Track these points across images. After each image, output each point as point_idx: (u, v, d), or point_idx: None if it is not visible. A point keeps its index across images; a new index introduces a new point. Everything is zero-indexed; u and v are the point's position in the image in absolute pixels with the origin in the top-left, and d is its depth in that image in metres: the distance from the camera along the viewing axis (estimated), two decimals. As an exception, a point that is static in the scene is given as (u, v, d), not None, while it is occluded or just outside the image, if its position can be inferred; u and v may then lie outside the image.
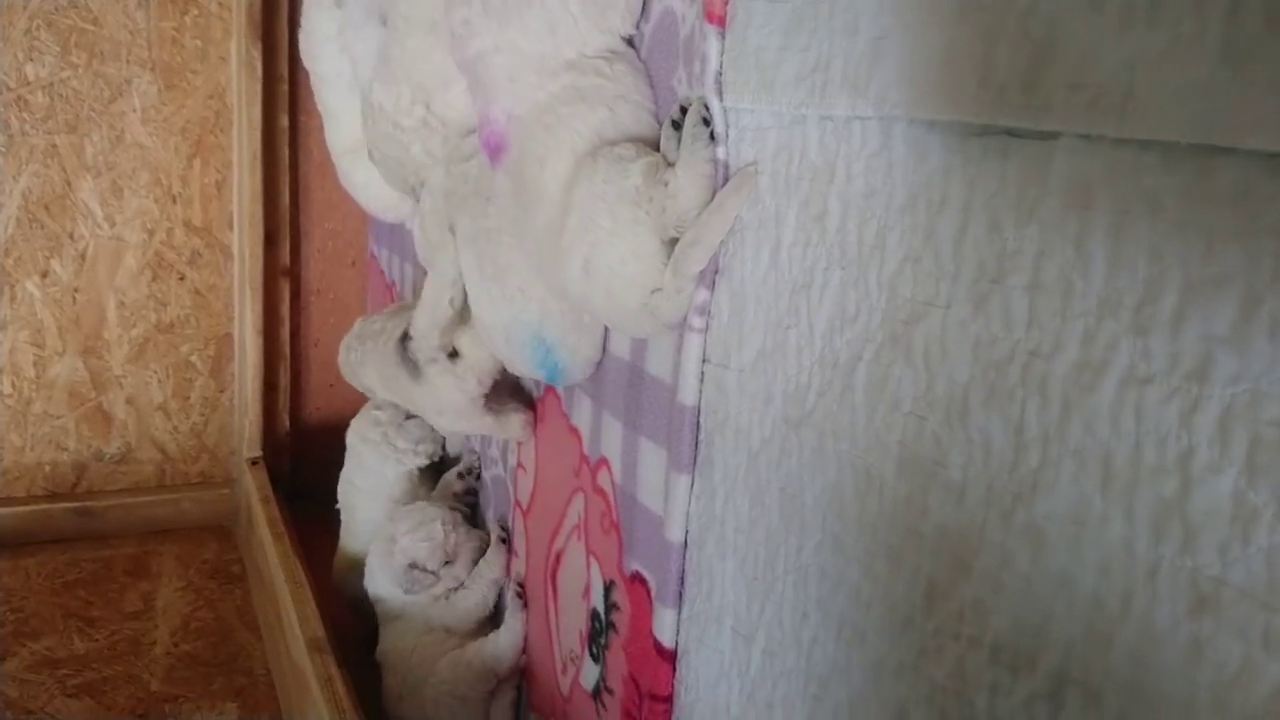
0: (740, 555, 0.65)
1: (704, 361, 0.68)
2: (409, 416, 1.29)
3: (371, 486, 1.27)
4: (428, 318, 1.01)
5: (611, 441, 0.84)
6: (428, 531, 1.10)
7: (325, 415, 1.68)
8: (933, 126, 0.48)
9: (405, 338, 1.07)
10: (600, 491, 0.86)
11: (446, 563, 1.10)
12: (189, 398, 1.63)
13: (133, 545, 1.55)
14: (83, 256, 1.53)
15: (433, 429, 1.29)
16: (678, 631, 0.72)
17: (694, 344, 0.68)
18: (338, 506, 1.31)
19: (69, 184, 1.51)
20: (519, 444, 1.07)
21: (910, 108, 0.49)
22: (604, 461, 0.85)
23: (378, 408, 1.30)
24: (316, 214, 1.69)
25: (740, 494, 0.65)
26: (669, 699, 0.73)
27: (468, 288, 0.90)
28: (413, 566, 1.08)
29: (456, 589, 1.09)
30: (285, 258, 1.65)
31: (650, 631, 0.76)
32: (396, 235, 1.50)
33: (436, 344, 1.05)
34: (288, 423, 1.69)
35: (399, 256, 1.53)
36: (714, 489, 0.67)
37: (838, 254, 0.55)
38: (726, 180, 0.64)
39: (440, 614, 1.08)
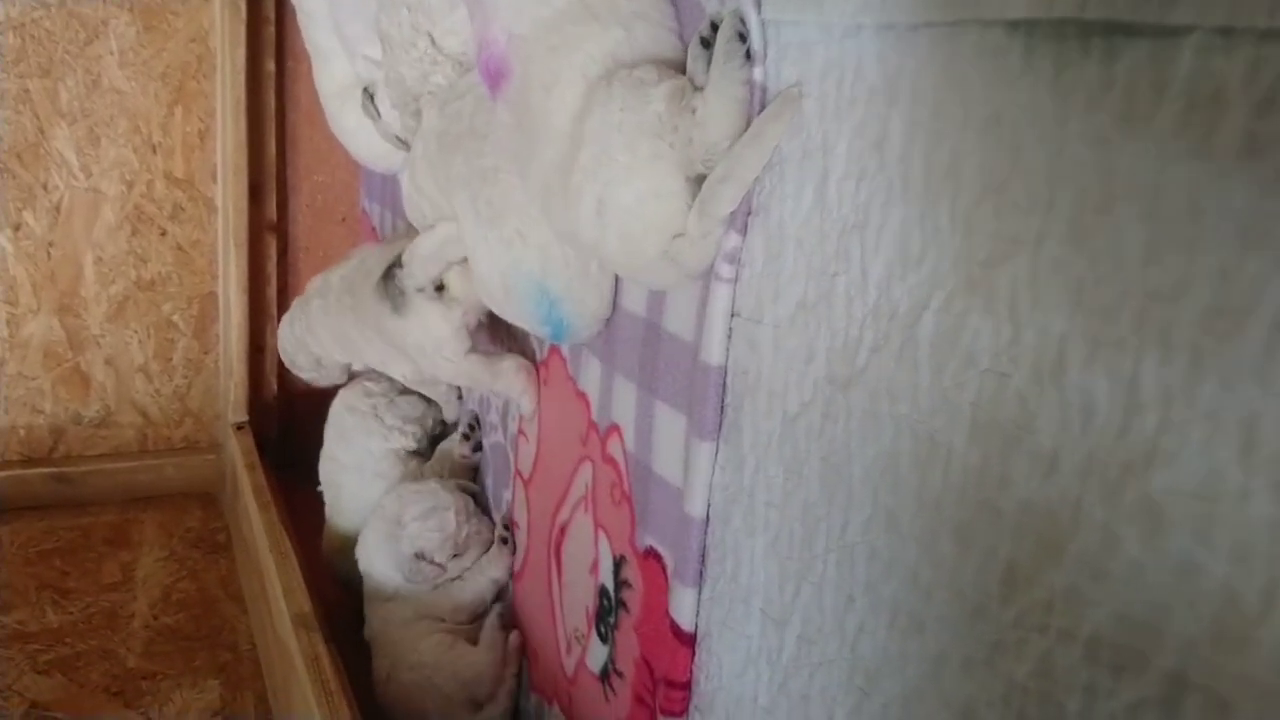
0: (772, 531, 0.58)
1: (733, 316, 0.61)
2: (402, 392, 1.22)
3: (356, 462, 1.19)
4: (433, 246, 0.91)
5: (624, 406, 0.77)
6: (440, 521, 1.02)
7: (315, 379, 1.60)
8: (1017, 29, 0.41)
9: (391, 270, 0.97)
10: (610, 461, 0.79)
11: (454, 555, 1.03)
12: (171, 359, 1.56)
13: (112, 513, 1.48)
14: (57, 209, 1.44)
15: (424, 410, 1.22)
16: (698, 613, 0.66)
17: (721, 296, 0.61)
18: (319, 489, 1.24)
19: (42, 131, 1.42)
20: (520, 411, 0.99)
21: (992, 6, 0.41)
22: (615, 428, 0.78)
23: (370, 379, 1.23)
24: (304, 166, 1.60)
25: (773, 464, 0.58)
26: (686, 685, 0.67)
27: (463, 234, 0.82)
28: (419, 557, 1.01)
29: (456, 579, 1.02)
30: (272, 212, 1.57)
31: (666, 612, 0.69)
32: (389, 189, 1.42)
33: (434, 274, 0.93)
34: (275, 386, 1.62)
35: (391, 211, 1.45)
36: (742, 458, 0.60)
37: (899, 187, 0.47)
38: (764, 106, 0.56)
39: (434, 602, 1.01)
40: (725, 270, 0.60)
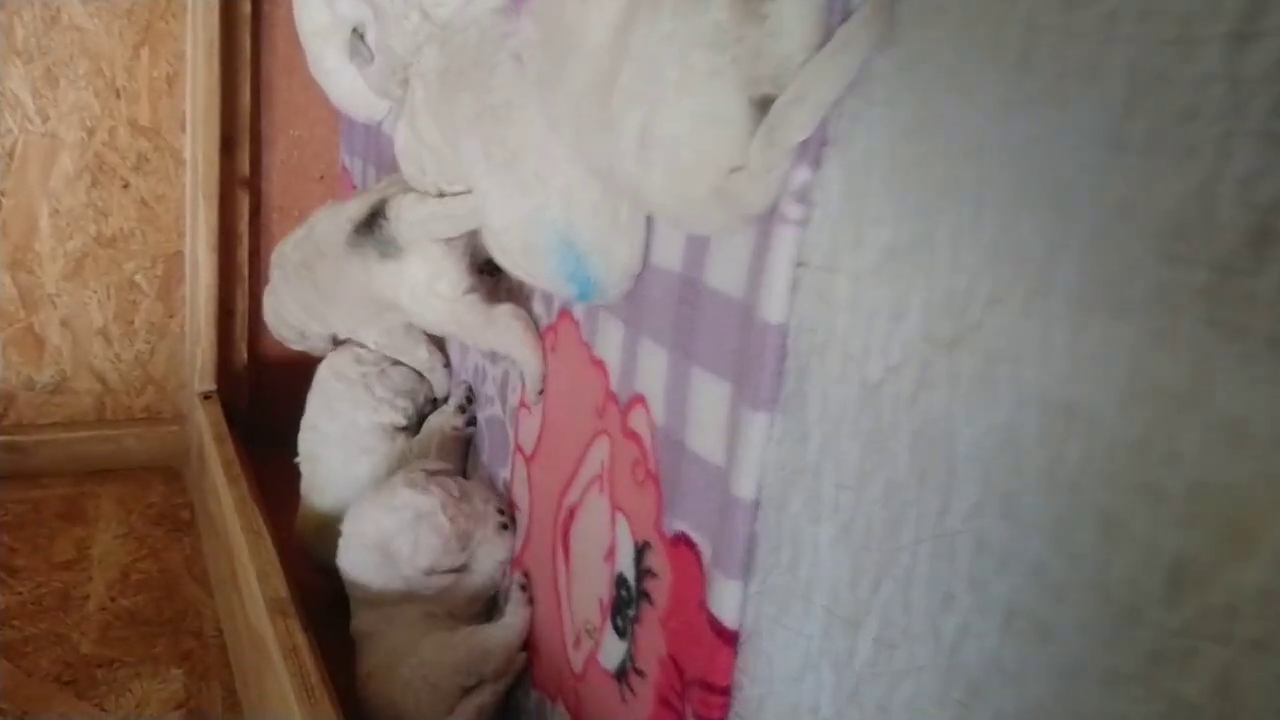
0: (844, 517, 0.50)
1: (799, 265, 0.52)
2: (395, 363, 1.12)
3: (340, 433, 1.10)
4: (443, 211, 0.85)
5: (651, 374, 0.68)
6: (430, 528, 0.90)
7: (287, 348, 1.49)
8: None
9: (376, 220, 0.90)
10: (633, 436, 0.71)
11: (463, 549, 0.92)
12: (133, 322, 1.45)
13: (66, 486, 1.37)
14: (10, 155, 1.32)
15: (417, 384, 1.13)
16: (743, 608, 0.57)
17: (785, 241, 0.52)
18: (297, 460, 1.14)
19: (-7, 69, 1.30)
20: (522, 381, 0.91)
21: None
22: (639, 399, 0.70)
23: (362, 345, 1.13)
24: (280, 118, 1.49)
25: (847, 438, 0.49)
26: (726, 689, 0.59)
27: (472, 183, 0.73)
28: (431, 572, 0.91)
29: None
30: (244, 167, 1.46)
31: (702, 605, 0.61)
32: (373, 142, 1.31)
33: (419, 239, 0.88)
34: (245, 354, 1.51)
35: (375, 167, 1.35)
36: (805, 431, 0.52)
37: (1036, 100, 0.39)
38: (847, 12, 0.47)
39: (445, 600, 0.92)
40: (792, 210, 0.51)
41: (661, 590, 0.67)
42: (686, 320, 0.64)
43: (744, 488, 0.56)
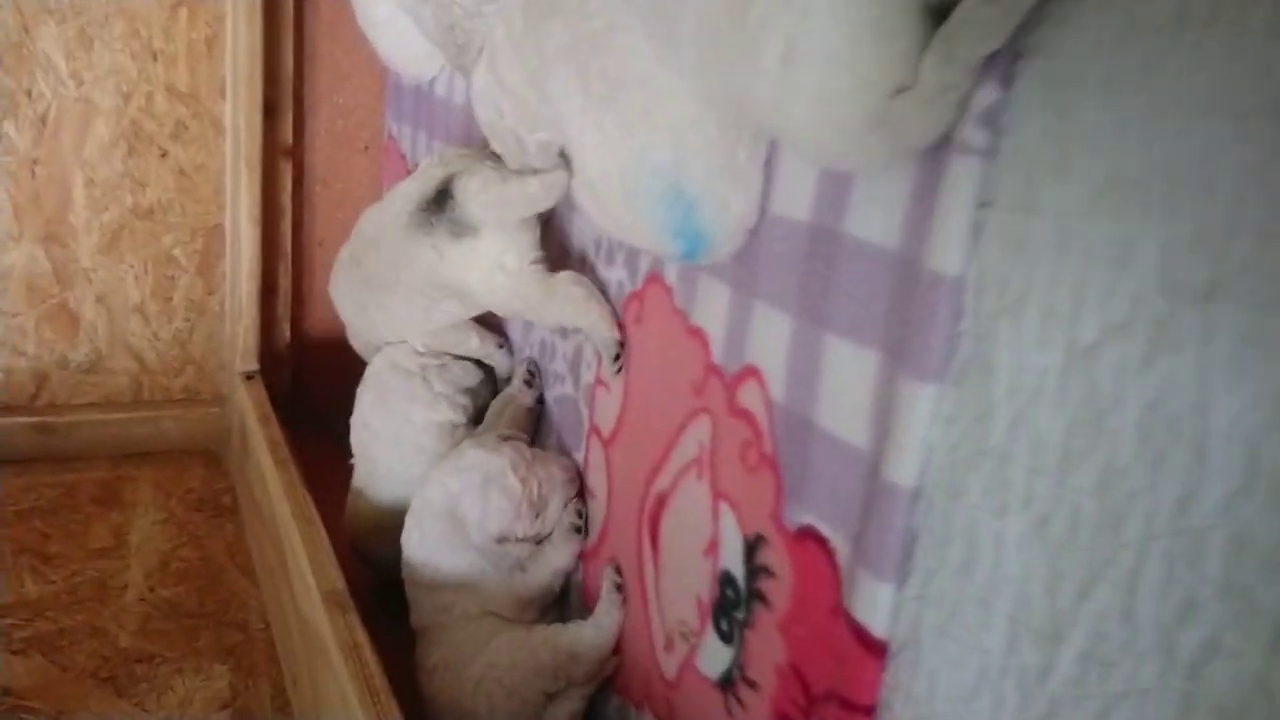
0: (1040, 509, 0.41)
1: (982, 205, 0.44)
2: (458, 357, 1.04)
3: (394, 433, 1.00)
4: (516, 193, 0.80)
5: (768, 343, 0.60)
6: (500, 490, 0.84)
7: (331, 326, 1.42)
8: None
9: (445, 200, 0.86)
10: (743, 414, 0.62)
11: (537, 515, 0.85)
12: (171, 299, 1.38)
13: (102, 469, 1.30)
14: (43, 120, 1.26)
15: (480, 380, 1.04)
16: (896, 614, 0.49)
17: (965, 177, 0.44)
18: (352, 461, 1.06)
19: (26, 29, 1.23)
20: (598, 356, 0.83)
21: None
22: (751, 372, 0.61)
23: None
24: (324, 85, 1.42)
25: (1047, 415, 0.41)
26: (871, 709, 0.50)
27: (563, 125, 0.65)
28: (503, 540, 0.83)
29: (518, 566, 0.85)
30: (287, 135, 1.39)
31: (838, 610, 0.52)
32: (423, 106, 1.24)
33: (491, 220, 0.84)
34: (288, 333, 1.45)
35: (426, 133, 1.27)
36: (989, 407, 0.44)
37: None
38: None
39: (496, 596, 0.84)
40: (975, 138, 0.43)
41: (780, 591, 0.58)
42: (817, 278, 0.55)
43: (901, 474, 0.47)
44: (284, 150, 1.38)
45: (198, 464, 1.36)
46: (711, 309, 0.66)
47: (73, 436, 1.32)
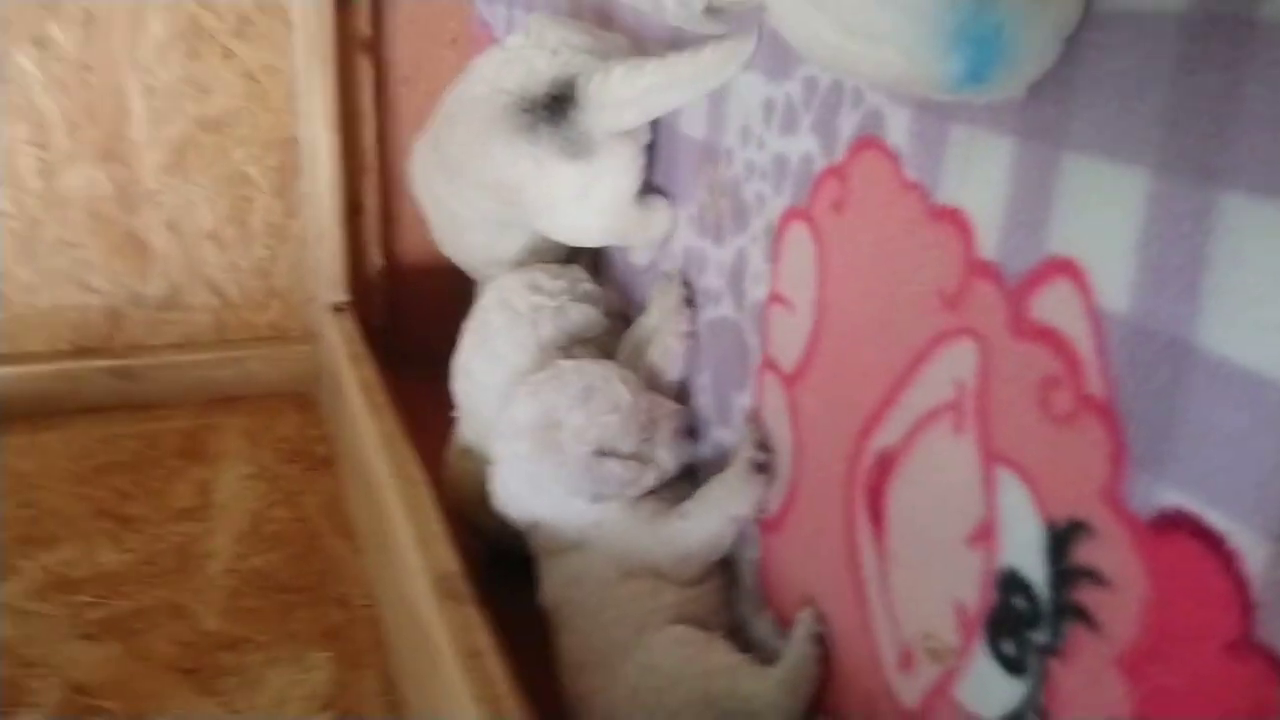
0: None
1: None
2: (582, 299, 0.84)
3: (499, 383, 0.80)
4: (666, 73, 0.69)
5: (1099, 218, 0.38)
6: (607, 399, 0.69)
7: (430, 249, 1.23)
8: None
9: (562, 106, 0.75)
10: (1043, 334, 0.41)
11: (644, 439, 0.68)
12: (247, 223, 1.22)
13: (185, 418, 1.17)
14: (90, 18, 1.09)
15: (603, 330, 0.84)
16: None
17: None
18: (454, 415, 0.88)
19: (63, -86, 1.06)
20: (774, 263, 0.62)
21: None
22: (1060, 267, 0.40)
23: (546, 270, 0.86)
24: (404, -35, 1.22)
25: None
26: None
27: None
28: (601, 454, 0.66)
29: (674, 512, 0.67)
30: (364, 27, 1.20)
31: (1246, 647, 0.32)
32: (522, -24, 1.02)
33: (631, 124, 0.75)
34: (380, 258, 1.27)
35: (523, 8, 1.06)
36: None
37: None
38: None
39: (643, 549, 0.66)
40: None
41: (1120, 609, 0.38)
42: (1215, 106, 0.33)
43: None
44: (362, 44, 1.19)
45: (290, 409, 1.22)
46: (978, 176, 0.44)
47: (152, 381, 1.19)
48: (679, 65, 0.69)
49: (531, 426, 0.70)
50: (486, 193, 0.84)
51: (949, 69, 0.36)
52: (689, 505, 0.67)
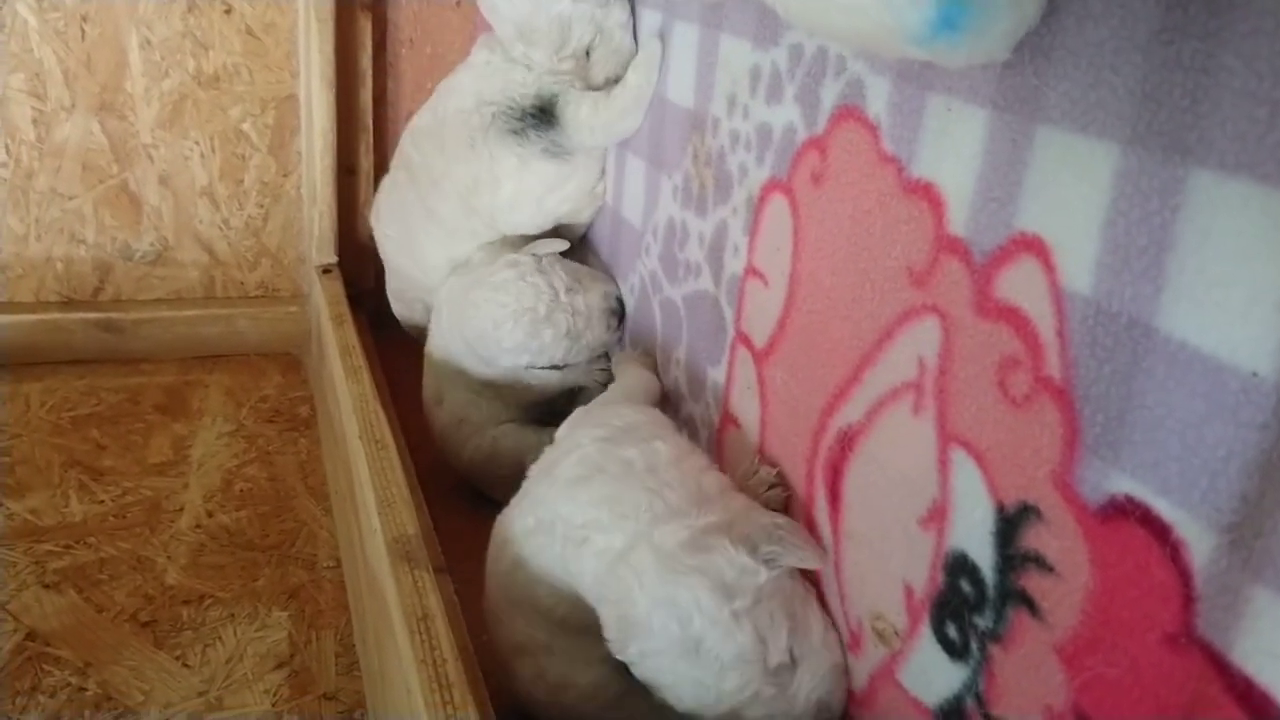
0: None
1: None
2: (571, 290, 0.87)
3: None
4: (631, 99, 0.79)
5: (1066, 195, 0.37)
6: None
7: (421, 216, 1.23)
8: None
9: (543, 113, 0.86)
10: (1006, 312, 0.39)
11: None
12: (242, 181, 1.21)
13: (170, 373, 1.16)
14: (89, -31, 1.08)
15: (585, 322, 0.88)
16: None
17: None
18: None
19: None
20: (752, 236, 0.60)
21: None
22: (1027, 244, 0.39)
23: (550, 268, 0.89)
24: (410, -75, 1.20)
25: None
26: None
27: None
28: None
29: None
30: (367, -13, 1.18)
31: (1185, 639, 0.31)
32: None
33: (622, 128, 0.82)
34: (371, 220, 1.26)
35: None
36: None
37: None
38: None
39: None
40: None
41: (1063, 596, 0.36)
42: (1189, 79, 0.31)
43: None
44: (362, 4, 1.18)
45: (275, 369, 1.21)
46: (953, 149, 0.43)
47: (138, 335, 1.18)
48: (631, 93, 0.78)
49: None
50: (457, 198, 0.91)
51: (922, 13, 0.34)
52: None
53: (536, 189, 0.89)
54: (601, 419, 0.63)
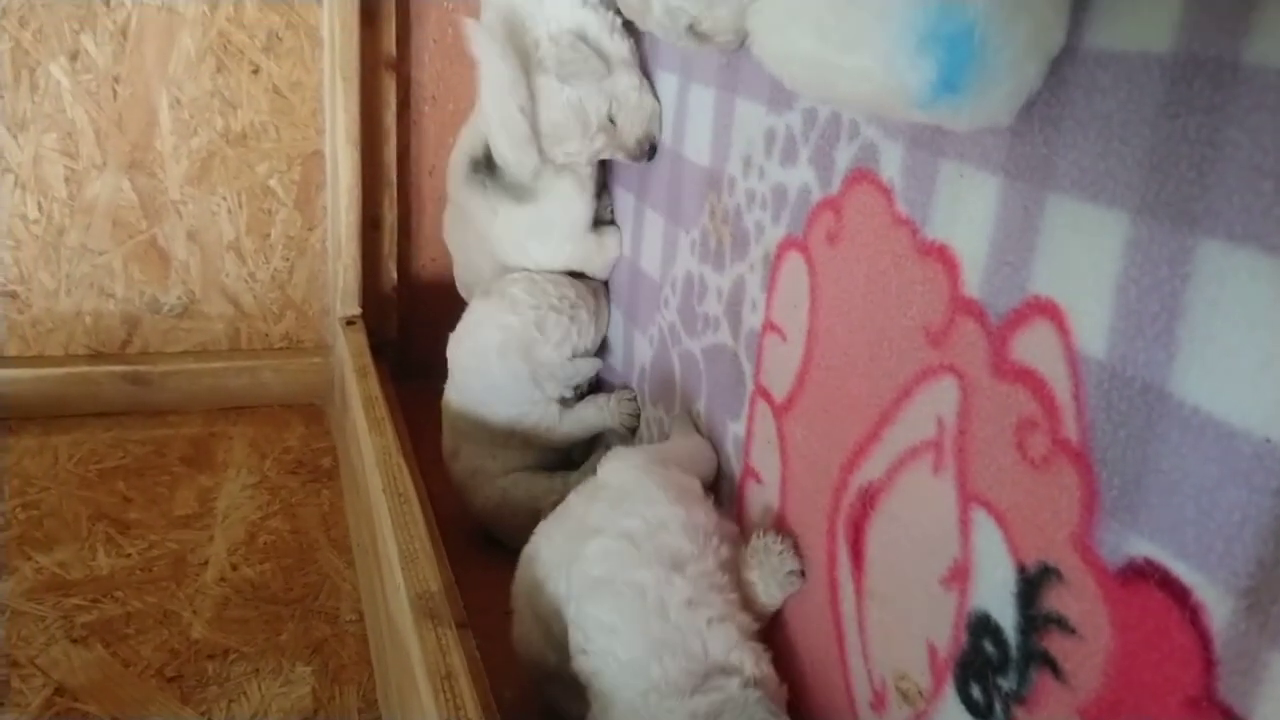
0: None
1: None
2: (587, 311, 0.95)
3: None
4: (506, 139, 0.85)
5: (1079, 260, 0.37)
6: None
7: (444, 266, 1.25)
8: None
9: (482, 166, 0.93)
10: (1023, 374, 0.40)
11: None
12: (268, 235, 1.23)
13: (195, 424, 1.18)
14: (123, 33, 1.12)
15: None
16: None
17: None
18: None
19: (102, -71, 1.09)
20: (769, 292, 0.61)
21: None
22: (1041, 308, 0.39)
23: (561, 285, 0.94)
24: (432, -13, 1.23)
25: None
26: None
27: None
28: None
29: None
30: (390, 46, 1.21)
31: (1207, 702, 0.31)
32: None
33: (535, 159, 0.86)
34: (394, 273, 1.28)
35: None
36: None
37: None
38: None
39: None
40: None
41: (1085, 658, 0.37)
42: (1195, 151, 0.32)
43: None
44: (387, 63, 1.21)
45: (298, 420, 1.22)
46: (966, 213, 0.44)
47: (165, 387, 1.20)
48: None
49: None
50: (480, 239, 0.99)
51: (922, 74, 0.35)
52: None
53: (520, 234, 0.94)
54: (641, 492, 0.62)
